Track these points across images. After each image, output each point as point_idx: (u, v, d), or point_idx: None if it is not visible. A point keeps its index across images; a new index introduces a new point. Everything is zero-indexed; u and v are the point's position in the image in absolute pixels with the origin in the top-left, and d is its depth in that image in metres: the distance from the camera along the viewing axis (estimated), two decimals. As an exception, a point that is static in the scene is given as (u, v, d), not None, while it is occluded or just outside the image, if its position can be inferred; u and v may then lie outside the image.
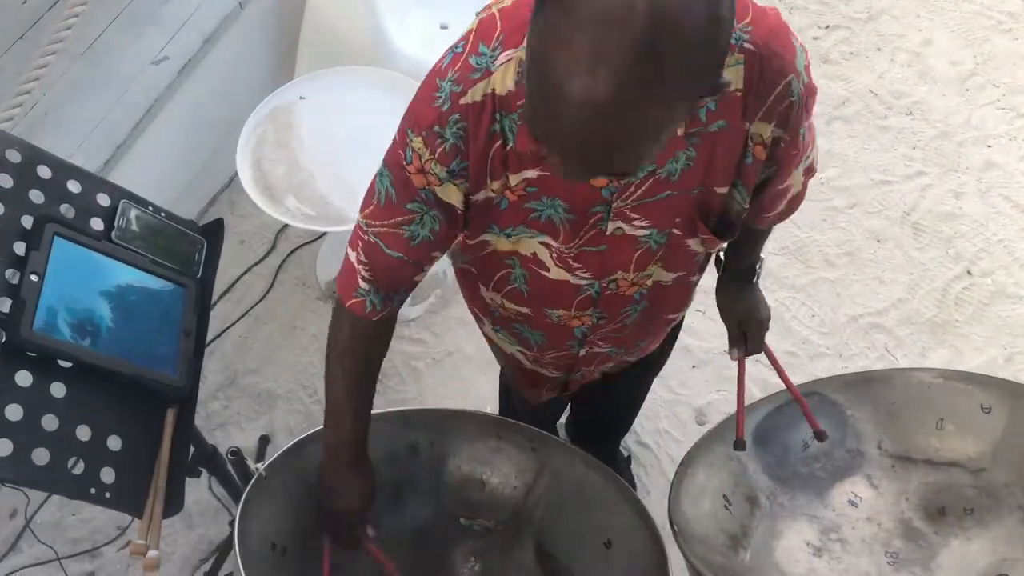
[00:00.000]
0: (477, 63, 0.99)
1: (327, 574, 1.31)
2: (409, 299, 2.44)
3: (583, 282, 1.20)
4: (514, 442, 1.51)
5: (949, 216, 2.77)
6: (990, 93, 3.03)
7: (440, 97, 1.01)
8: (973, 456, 1.43)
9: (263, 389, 2.39)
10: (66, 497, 1.23)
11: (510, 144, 1.02)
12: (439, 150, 1.02)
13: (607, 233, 1.12)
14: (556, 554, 1.47)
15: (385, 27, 2.35)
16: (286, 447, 1.40)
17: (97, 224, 1.33)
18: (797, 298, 2.57)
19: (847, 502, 1.50)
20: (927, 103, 2.98)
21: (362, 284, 1.17)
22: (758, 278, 1.48)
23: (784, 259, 2.66)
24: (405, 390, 2.39)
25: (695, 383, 2.47)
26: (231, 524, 1.77)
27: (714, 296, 1.52)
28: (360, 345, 1.23)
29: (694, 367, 2.49)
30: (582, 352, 1.37)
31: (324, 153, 2.09)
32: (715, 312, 2.50)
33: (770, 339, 1.53)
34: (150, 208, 1.40)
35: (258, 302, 2.51)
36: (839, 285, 2.62)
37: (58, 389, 1.20)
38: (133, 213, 1.36)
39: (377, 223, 1.13)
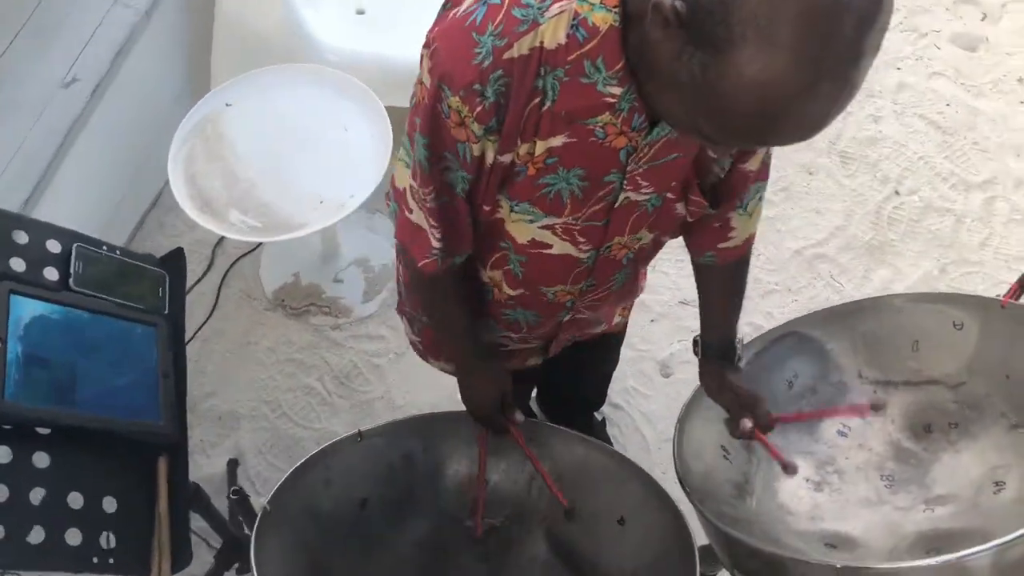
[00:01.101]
0: (523, 15, 0.96)
1: (483, 461, 1.49)
2: (361, 296, 2.42)
3: (584, 255, 1.21)
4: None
5: (871, 141, 2.87)
6: (893, 16, 3.12)
7: (480, 53, 0.96)
8: (951, 372, 1.49)
9: (224, 411, 2.31)
10: (67, 572, 1.16)
11: (547, 104, 1.00)
12: (478, 108, 0.99)
13: (616, 205, 1.12)
14: (570, 540, 1.46)
15: (301, 20, 2.28)
16: (286, 476, 1.36)
17: (52, 274, 1.26)
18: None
19: (837, 433, 1.54)
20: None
21: (435, 243, 1.17)
22: (740, 360, 1.45)
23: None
24: (370, 390, 2.35)
25: (655, 337, 2.51)
26: (215, 557, 1.72)
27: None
28: (452, 288, 1.28)
29: (652, 321, 2.52)
30: (566, 319, 1.39)
31: (261, 159, 2.03)
32: (666, 266, 2.54)
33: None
34: (104, 248, 1.32)
35: (204, 322, 2.42)
36: (779, 221, 2.69)
37: (41, 459, 1.14)
38: (87, 256, 1.29)
39: (429, 187, 1.10)
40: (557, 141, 1.03)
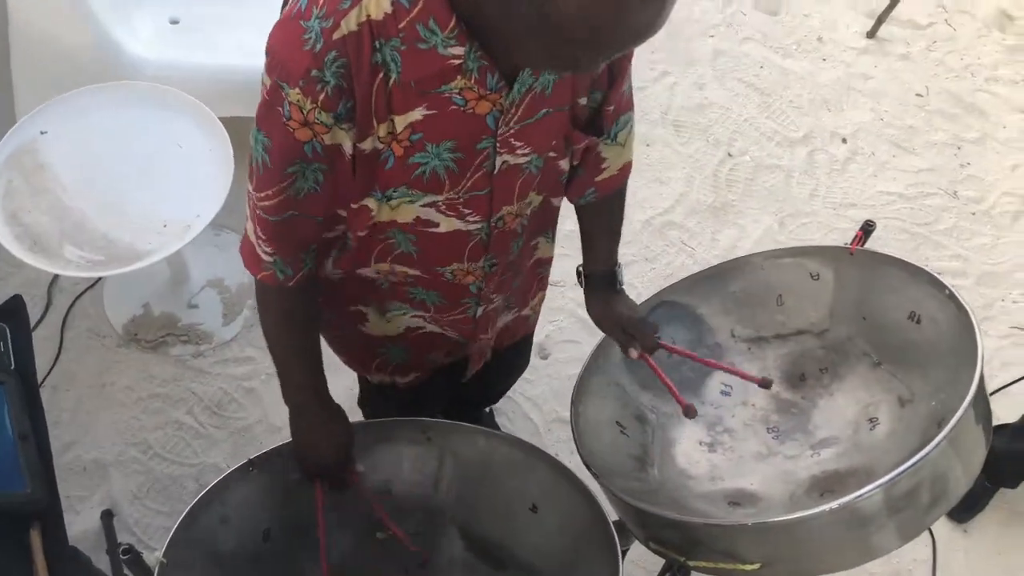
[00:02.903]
0: None
1: (321, 522, 1.32)
2: (221, 319, 2.30)
3: (473, 227, 1.19)
4: (406, 438, 1.47)
5: (699, 107, 3.00)
6: (702, -14, 3.29)
7: (310, 38, 0.95)
8: (815, 321, 1.59)
9: (88, 461, 2.14)
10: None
11: (393, 77, 0.98)
12: (321, 96, 0.97)
13: (495, 172, 1.12)
14: (485, 535, 1.45)
15: (112, 35, 2.11)
16: (178, 523, 1.27)
17: None
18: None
19: (720, 393, 1.61)
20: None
21: (265, 257, 1.14)
22: (621, 285, 1.49)
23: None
24: (246, 415, 2.24)
25: (526, 321, 2.53)
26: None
27: None
28: (289, 308, 1.22)
29: (520, 306, 2.54)
30: (479, 312, 1.37)
31: (91, 188, 1.88)
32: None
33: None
34: (-70, 309, 1.18)
35: (51, 368, 2.22)
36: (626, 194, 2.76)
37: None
38: (-84, 322, 1.15)
39: (263, 192, 1.07)
40: (416, 115, 1.02)
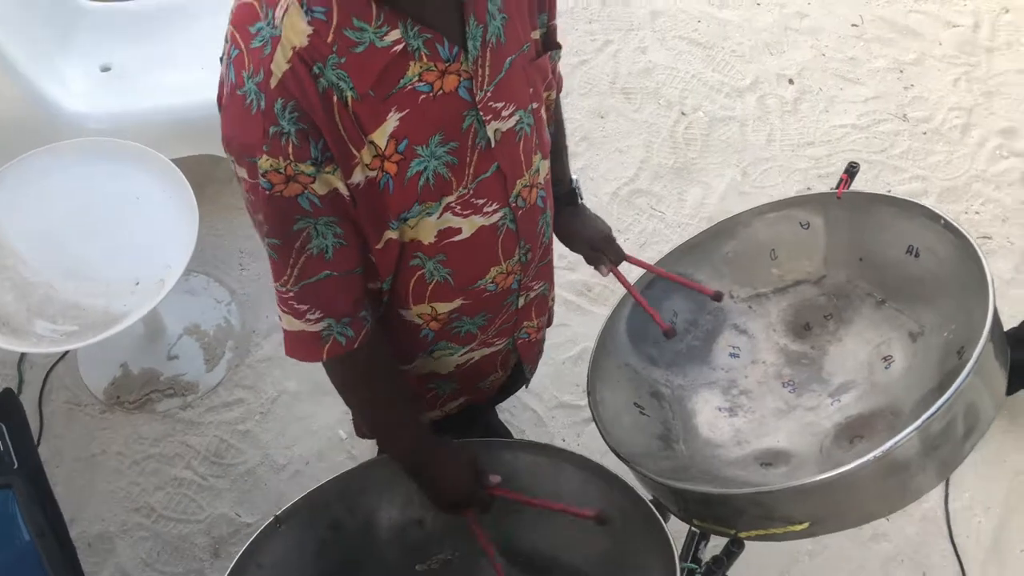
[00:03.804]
0: (260, 39, 0.91)
1: (482, 538, 1.32)
2: (203, 366, 2.24)
3: (495, 217, 1.15)
4: None
5: (646, 71, 2.98)
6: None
7: (252, 102, 0.92)
8: (811, 270, 1.58)
9: (92, 536, 2.07)
10: None
11: (349, 95, 0.94)
12: (289, 148, 0.93)
13: (492, 145, 1.08)
14: (525, 548, 1.42)
15: (44, 93, 2.03)
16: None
17: None
18: (561, 197, 2.67)
19: (729, 356, 1.60)
20: (583, -23, 3.15)
21: (320, 327, 1.08)
22: (581, 198, 1.50)
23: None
24: (247, 459, 2.19)
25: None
26: None
27: None
28: (366, 371, 1.18)
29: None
30: (521, 302, 1.33)
31: (52, 257, 1.80)
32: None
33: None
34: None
35: (36, 447, 2.13)
36: (589, 169, 2.75)
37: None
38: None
39: (284, 273, 1.04)
40: (392, 123, 0.98)
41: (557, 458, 1.41)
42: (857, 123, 2.93)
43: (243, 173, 0.97)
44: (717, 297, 1.52)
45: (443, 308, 1.22)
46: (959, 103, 3.01)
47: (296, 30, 0.90)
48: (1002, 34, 3.24)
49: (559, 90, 1.36)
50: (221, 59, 0.96)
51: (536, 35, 1.13)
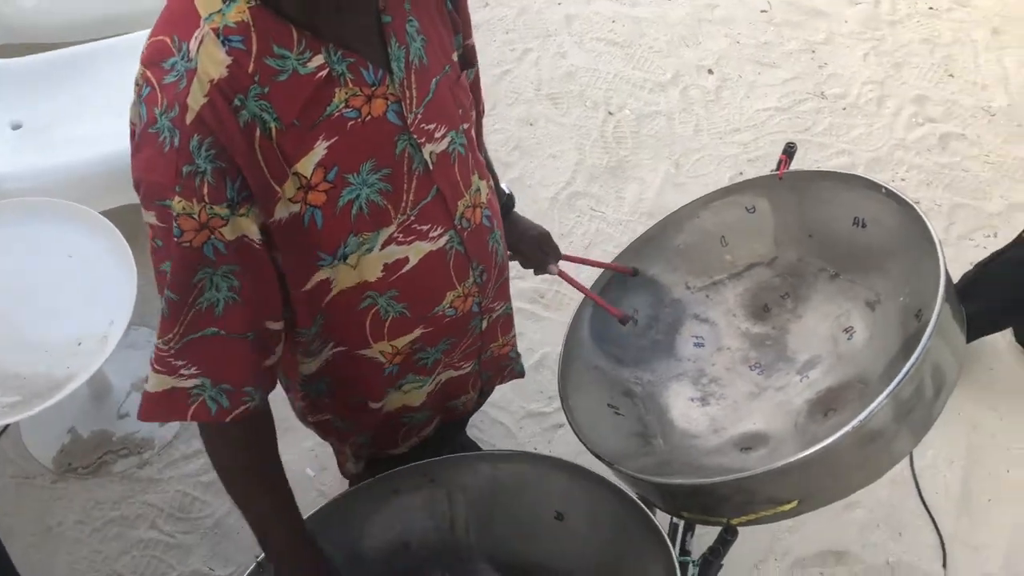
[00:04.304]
0: (174, 74, 0.87)
1: None
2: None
3: (443, 241, 1.12)
4: (409, 488, 1.41)
5: (568, 75, 3.01)
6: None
7: (165, 139, 0.87)
8: (762, 252, 1.60)
9: (60, 611, 1.98)
10: None
11: (272, 126, 0.90)
12: (205, 189, 0.88)
13: (430, 168, 1.05)
14: (516, 559, 1.41)
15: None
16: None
17: None
18: (501, 207, 2.66)
19: (694, 346, 1.61)
20: (496, -12, 3.16)
21: (191, 384, 0.98)
22: (513, 201, 1.54)
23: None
24: (214, 510, 2.09)
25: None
26: None
27: None
28: (241, 452, 1.09)
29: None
30: (484, 325, 1.32)
31: (-17, 325, 1.71)
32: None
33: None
34: None
35: (-13, 528, 2.03)
36: (525, 177, 2.75)
37: None
38: None
39: (173, 329, 0.96)
40: (319, 151, 0.95)
41: (540, 465, 1.40)
42: (779, 105, 3.00)
43: (152, 218, 0.91)
44: (623, 320, 1.59)
45: (403, 341, 1.19)
46: (871, 77, 3.11)
47: (214, 61, 0.86)
48: (902, 7, 3.36)
49: (480, 110, 1.36)
50: (133, 104, 0.92)
51: (455, 56, 1.12)
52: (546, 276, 2.48)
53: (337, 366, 1.21)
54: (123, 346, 2.21)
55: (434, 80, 1.04)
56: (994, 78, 3.14)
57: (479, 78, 1.31)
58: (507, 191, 1.52)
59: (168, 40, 0.89)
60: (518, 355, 1.58)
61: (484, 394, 1.62)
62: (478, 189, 1.19)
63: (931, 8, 3.36)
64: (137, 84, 0.91)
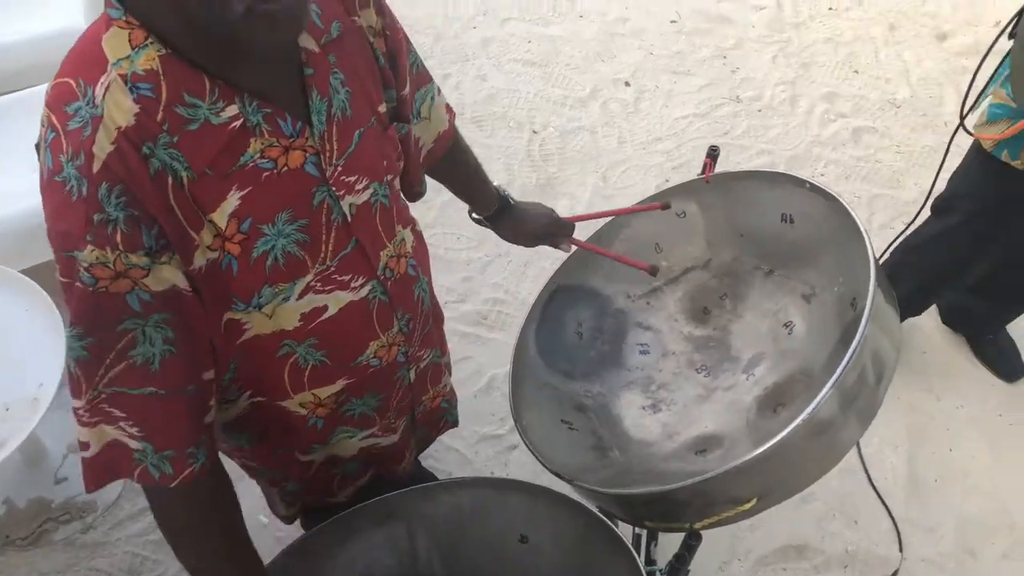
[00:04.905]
0: (79, 120, 0.84)
1: None
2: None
3: (365, 291, 1.11)
4: (368, 524, 1.38)
5: (490, 97, 3.03)
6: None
7: (72, 187, 0.84)
8: (697, 255, 1.63)
9: None
10: None
11: (184, 175, 0.87)
12: (118, 236, 0.85)
13: (349, 219, 1.04)
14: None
15: None
16: None
17: None
18: (437, 232, 2.66)
19: (640, 354, 1.63)
20: (407, 16, 3.16)
21: (135, 445, 0.95)
22: (510, 197, 1.56)
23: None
24: (165, 569, 2.03)
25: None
26: None
27: None
28: (193, 516, 1.04)
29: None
30: (412, 376, 1.30)
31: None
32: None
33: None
34: None
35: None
36: (456, 201, 2.73)
37: None
38: None
39: (100, 376, 0.92)
40: (232, 202, 0.92)
41: (501, 489, 1.39)
42: (697, 112, 3.07)
43: (58, 264, 0.89)
44: (653, 271, 1.57)
45: (326, 392, 1.16)
46: (782, 78, 3.21)
47: (121, 109, 0.84)
48: (804, 9, 3.49)
49: (447, 138, 1.36)
50: (38, 146, 0.89)
51: (383, 108, 1.11)
52: (488, 296, 2.50)
53: (256, 417, 1.18)
54: (56, 408, 2.12)
55: (357, 132, 1.03)
56: (895, 72, 3.27)
57: (442, 102, 1.31)
58: (502, 191, 1.55)
59: (73, 83, 0.86)
60: (450, 404, 1.57)
61: (422, 448, 1.60)
62: (402, 239, 1.18)
63: (831, 8, 3.49)
64: (43, 125, 0.88)
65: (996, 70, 1.84)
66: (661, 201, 1.59)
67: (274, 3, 0.79)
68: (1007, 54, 1.76)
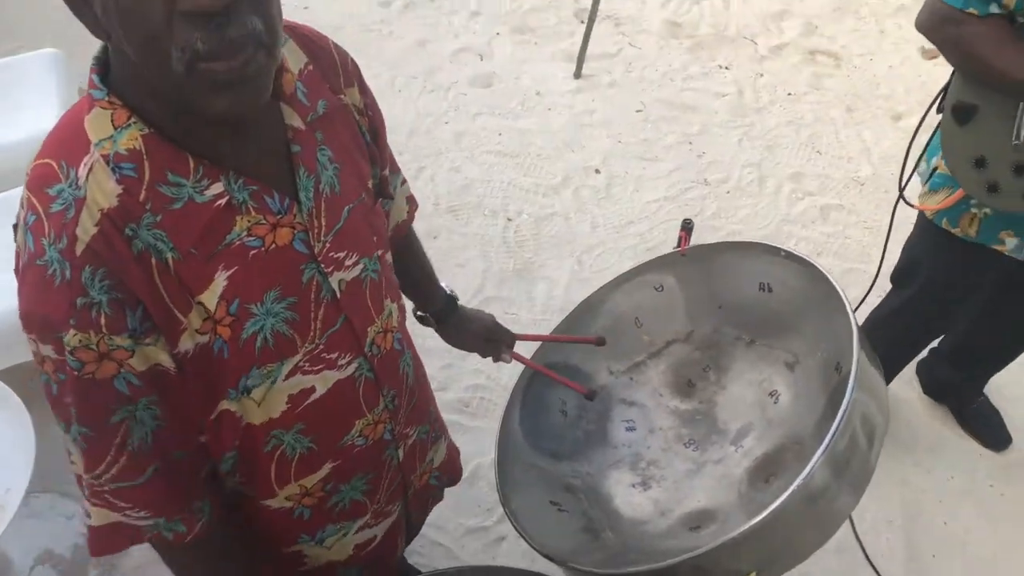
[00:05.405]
0: (61, 203, 0.83)
1: None
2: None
3: (351, 369, 1.08)
4: None
5: (464, 188, 3.07)
6: (412, 88, 3.41)
7: (55, 271, 0.82)
8: (678, 328, 1.63)
9: None
10: None
11: (168, 256, 0.86)
12: (102, 320, 0.84)
13: (338, 296, 1.02)
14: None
15: None
16: None
17: None
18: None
19: (626, 431, 1.60)
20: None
21: (144, 523, 0.98)
22: (457, 299, 1.56)
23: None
24: None
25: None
26: None
27: None
28: (207, 563, 1.07)
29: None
30: (401, 455, 1.26)
31: None
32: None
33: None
34: None
35: None
36: (433, 291, 2.74)
37: None
38: None
39: (99, 467, 0.93)
40: (220, 283, 0.90)
41: (493, 577, 1.34)
42: (667, 195, 3.13)
43: (48, 351, 0.86)
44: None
45: (312, 480, 1.13)
46: (748, 160, 3.29)
47: (103, 190, 0.83)
48: (764, 95, 3.61)
49: (412, 214, 1.37)
50: (15, 227, 0.88)
51: (371, 184, 1.12)
52: (469, 383, 2.47)
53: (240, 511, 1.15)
54: (23, 516, 2.04)
55: (346, 208, 1.03)
56: (857, 151, 3.37)
57: (405, 192, 1.33)
58: (448, 291, 1.55)
59: (55, 165, 0.85)
60: (439, 475, 1.53)
61: (411, 536, 1.56)
62: (390, 313, 1.16)
63: (789, 94, 3.61)
64: (22, 207, 0.86)
65: (928, 142, 1.91)
66: (595, 336, 1.61)
67: (216, 63, 0.77)
68: (937, 126, 1.83)
